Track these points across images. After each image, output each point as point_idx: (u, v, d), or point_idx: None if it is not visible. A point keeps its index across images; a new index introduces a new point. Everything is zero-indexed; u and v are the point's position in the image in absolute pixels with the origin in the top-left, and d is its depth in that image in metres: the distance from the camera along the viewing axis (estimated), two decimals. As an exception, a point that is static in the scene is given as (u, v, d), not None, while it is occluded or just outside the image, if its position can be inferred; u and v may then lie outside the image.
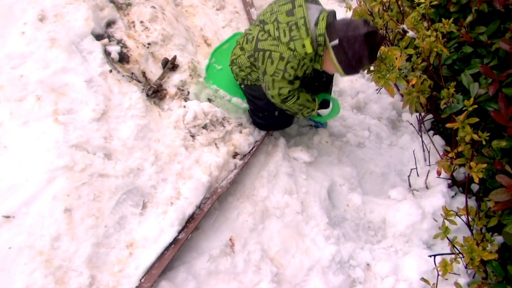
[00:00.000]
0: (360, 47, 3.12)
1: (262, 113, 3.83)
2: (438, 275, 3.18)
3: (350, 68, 3.30)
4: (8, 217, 2.86)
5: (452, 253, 3.20)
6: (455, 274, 3.41)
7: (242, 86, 3.89)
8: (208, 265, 3.07)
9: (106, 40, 3.95)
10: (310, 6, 3.32)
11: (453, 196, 3.96)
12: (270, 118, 3.81)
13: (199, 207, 3.26)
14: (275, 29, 3.30)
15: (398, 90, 4.58)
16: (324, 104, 4.05)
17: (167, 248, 2.98)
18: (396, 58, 3.57)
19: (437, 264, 3.17)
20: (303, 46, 3.21)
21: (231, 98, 3.94)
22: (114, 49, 3.92)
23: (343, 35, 3.16)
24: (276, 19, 3.33)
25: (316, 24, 3.23)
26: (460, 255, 3.14)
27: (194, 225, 3.13)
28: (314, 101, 3.62)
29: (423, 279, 3.24)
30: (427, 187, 4.03)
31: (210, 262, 3.07)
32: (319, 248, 3.41)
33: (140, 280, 2.82)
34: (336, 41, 3.18)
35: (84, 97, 3.47)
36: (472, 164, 3.11)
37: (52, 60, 3.60)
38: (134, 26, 4.25)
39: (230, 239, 3.25)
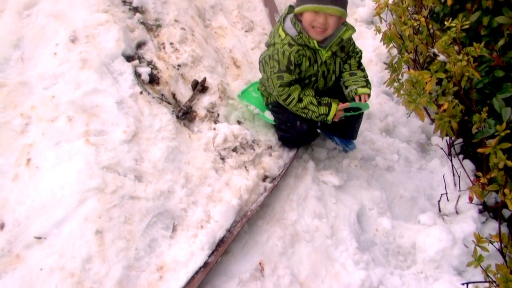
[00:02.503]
0: None
1: (285, 125, 3.87)
2: (471, 303, 3.14)
3: None
4: (39, 238, 2.87)
5: (486, 281, 3.15)
6: (491, 302, 3.34)
7: (269, 106, 4.00)
8: (238, 290, 3.05)
9: (136, 62, 3.98)
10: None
11: (483, 222, 3.89)
12: (293, 128, 3.82)
13: (229, 230, 3.23)
14: (269, 39, 3.64)
15: (428, 113, 4.55)
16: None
17: (197, 272, 2.95)
18: (427, 82, 3.55)
19: (470, 292, 3.13)
20: (279, 36, 3.50)
21: (260, 112, 4.02)
22: (145, 71, 3.95)
23: None
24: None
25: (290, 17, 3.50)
26: (494, 284, 3.08)
27: (223, 249, 3.10)
28: (326, 105, 3.59)
29: (456, 306, 3.19)
30: (457, 212, 3.98)
31: (240, 286, 3.04)
32: (349, 273, 3.36)
33: (171, 303, 2.81)
34: None
35: (115, 118, 3.49)
36: (506, 191, 3.06)
37: (83, 81, 3.64)
38: (164, 48, 4.29)
39: (260, 263, 3.22)
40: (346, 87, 3.77)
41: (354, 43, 3.80)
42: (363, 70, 3.84)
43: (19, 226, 2.93)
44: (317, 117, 3.60)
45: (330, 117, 3.59)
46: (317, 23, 3.36)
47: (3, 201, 3.04)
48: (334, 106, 3.58)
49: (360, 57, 3.86)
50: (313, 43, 3.45)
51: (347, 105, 3.63)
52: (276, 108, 3.90)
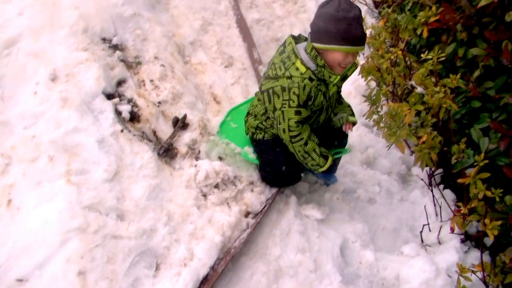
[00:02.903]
0: (324, 19, 3.15)
1: (270, 167, 3.86)
2: (456, 335, 3.14)
3: (342, 34, 3.13)
4: (21, 280, 2.84)
5: (469, 312, 3.17)
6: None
7: (254, 143, 3.94)
8: (223, 328, 3.03)
9: (117, 99, 3.99)
10: (300, 42, 3.49)
11: (466, 251, 3.92)
12: (277, 173, 3.83)
13: (212, 268, 3.22)
14: (272, 70, 3.42)
15: (408, 145, 4.59)
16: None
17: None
18: (406, 114, 3.59)
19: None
20: (297, 69, 3.30)
21: (242, 150, 4.01)
22: (125, 108, 3.96)
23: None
24: (272, 62, 3.49)
25: (305, 49, 3.33)
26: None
27: (208, 287, 3.09)
28: (325, 158, 3.59)
29: None
30: (439, 243, 4.00)
31: (225, 324, 3.04)
32: (334, 308, 3.38)
33: None
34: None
35: (96, 157, 3.49)
36: (487, 221, 3.09)
37: (64, 120, 3.63)
38: (144, 85, 4.30)
39: (245, 300, 3.22)
40: (335, 114, 3.80)
41: None
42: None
43: (0, 269, 2.89)
44: (312, 165, 3.61)
45: (323, 169, 3.62)
46: (347, 62, 3.28)
47: (-16, 243, 3.01)
48: (330, 159, 3.61)
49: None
50: (334, 78, 3.36)
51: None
52: (262, 146, 3.87)
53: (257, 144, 3.92)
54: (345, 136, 3.93)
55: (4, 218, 3.13)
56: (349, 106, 3.85)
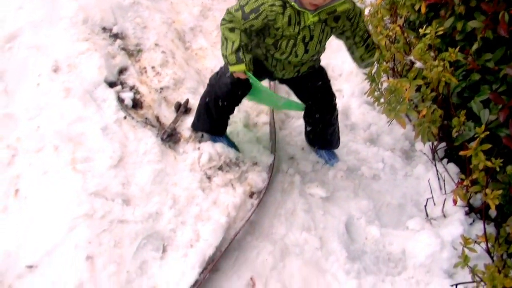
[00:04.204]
0: None
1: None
2: (460, 305, 3.17)
3: None
4: (31, 267, 2.90)
5: (474, 282, 3.18)
6: (480, 303, 3.37)
7: None
8: (230, 306, 3.07)
9: (119, 87, 4.03)
10: None
11: (471, 223, 3.93)
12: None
13: (218, 248, 3.27)
14: None
15: (410, 120, 4.60)
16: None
17: (189, 292, 2.99)
18: (406, 90, 3.60)
19: (458, 294, 3.17)
20: None
21: (283, 100, 3.88)
22: (128, 96, 4.00)
23: None
24: None
25: None
26: (482, 283, 3.12)
27: (211, 266, 3.14)
28: (238, 59, 3.29)
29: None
30: (444, 216, 4.01)
31: (232, 303, 3.08)
32: (340, 283, 3.38)
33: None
34: None
35: (101, 145, 3.54)
36: (488, 191, 3.11)
37: (67, 110, 3.69)
38: (145, 72, 4.34)
39: (251, 279, 3.24)
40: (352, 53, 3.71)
41: (359, 21, 3.52)
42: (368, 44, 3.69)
43: (10, 257, 2.96)
44: (222, 54, 3.40)
45: (231, 68, 3.36)
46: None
47: (-6, 233, 3.08)
48: (242, 67, 3.32)
49: (366, 33, 3.65)
50: (307, 16, 3.22)
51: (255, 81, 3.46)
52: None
53: None
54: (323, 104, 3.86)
55: (13, 207, 3.20)
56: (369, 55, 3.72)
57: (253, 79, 3.38)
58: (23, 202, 3.21)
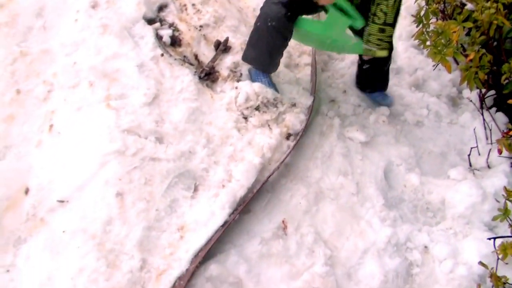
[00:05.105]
0: None
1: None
2: (498, 259, 3.06)
3: None
4: (62, 201, 2.92)
5: (512, 236, 3.06)
6: (521, 258, 3.24)
7: None
8: (260, 248, 3.02)
9: (157, 24, 3.96)
10: None
11: (517, 176, 3.80)
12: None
13: (250, 189, 3.22)
14: None
15: (458, 65, 4.41)
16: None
17: (217, 231, 2.95)
18: (454, 32, 3.43)
19: (497, 248, 3.05)
20: None
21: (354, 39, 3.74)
22: (166, 33, 3.92)
23: None
24: None
25: None
26: (523, 238, 3.00)
27: (242, 207, 3.10)
28: None
29: (481, 263, 3.10)
30: (488, 167, 3.87)
31: (262, 245, 3.03)
32: (375, 231, 3.32)
33: (191, 263, 2.81)
34: None
35: (136, 82, 3.49)
36: (535, 143, 2.97)
37: (104, 46, 3.65)
38: (186, 9, 4.24)
39: (283, 222, 3.19)
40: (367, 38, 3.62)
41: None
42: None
43: (43, 191, 3.00)
44: None
45: None
46: None
47: (28, 167, 3.11)
48: None
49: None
50: None
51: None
52: None
53: None
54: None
55: (46, 143, 3.22)
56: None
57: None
58: (56, 138, 3.22)
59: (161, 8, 4.16)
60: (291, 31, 3.62)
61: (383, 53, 3.61)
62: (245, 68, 3.94)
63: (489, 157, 3.85)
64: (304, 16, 3.68)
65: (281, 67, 4.02)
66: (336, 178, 3.52)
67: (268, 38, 3.60)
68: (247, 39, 3.81)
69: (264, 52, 3.70)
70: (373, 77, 4.08)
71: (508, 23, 3.37)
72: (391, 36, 3.64)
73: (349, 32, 3.76)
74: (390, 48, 3.77)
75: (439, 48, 3.41)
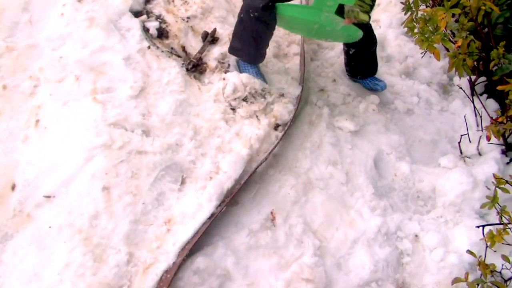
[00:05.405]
0: None
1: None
2: (487, 247, 3.05)
3: None
4: (48, 197, 2.92)
5: (501, 223, 3.04)
6: (509, 245, 3.23)
7: None
8: (248, 240, 3.01)
9: (144, 17, 3.95)
10: None
11: (508, 163, 3.77)
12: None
13: (238, 180, 3.21)
14: None
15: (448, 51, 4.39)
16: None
17: (204, 224, 2.94)
18: (442, 19, 3.40)
19: (485, 235, 3.04)
20: None
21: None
22: (153, 25, 3.92)
23: None
24: None
25: None
26: (510, 226, 2.98)
27: (229, 199, 3.08)
28: None
29: (469, 251, 3.09)
30: (479, 154, 3.85)
31: (249, 236, 3.02)
32: (365, 220, 3.31)
33: (177, 256, 2.80)
34: None
35: (122, 74, 3.49)
36: (525, 129, 2.95)
37: (90, 40, 3.64)
38: (173, 1, 4.23)
39: (271, 213, 3.19)
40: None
41: None
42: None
43: (29, 186, 2.98)
44: None
45: None
46: None
47: (14, 162, 3.10)
48: None
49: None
50: None
51: None
52: None
53: None
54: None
55: (33, 138, 3.20)
56: None
57: None
58: (42, 132, 3.20)
59: (148, 0, 4.13)
60: (274, 19, 3.60)
61: (365, 17, 3.53)
62: (233, 59, 3.93)
63: (479, 144, 3.84)
64: (290, 2, 3.64)
65: (269, 57, 4.00)
66: (326, 168, 3.50)
67: (252, 28, 3.60)
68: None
69: (250, 43, 3.69)
70: (361, 61, 4.06)
71: (496, 9, 3.34)
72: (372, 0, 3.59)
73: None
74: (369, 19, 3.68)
75: (426, 35, 3.39)
